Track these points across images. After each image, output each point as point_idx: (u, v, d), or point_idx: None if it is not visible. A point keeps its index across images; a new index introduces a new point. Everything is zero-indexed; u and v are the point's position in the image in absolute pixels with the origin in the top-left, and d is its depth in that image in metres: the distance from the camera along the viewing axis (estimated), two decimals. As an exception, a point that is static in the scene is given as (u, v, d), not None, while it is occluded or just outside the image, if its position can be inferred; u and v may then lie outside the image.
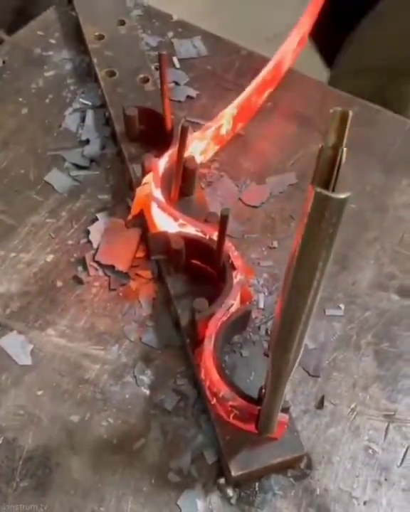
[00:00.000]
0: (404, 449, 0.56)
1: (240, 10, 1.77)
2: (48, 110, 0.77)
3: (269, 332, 0.61)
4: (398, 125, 0.80)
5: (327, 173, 0.36)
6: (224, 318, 0.54)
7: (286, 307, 0.37)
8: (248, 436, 0.52)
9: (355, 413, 0.58)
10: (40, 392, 0.57)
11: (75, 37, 0.84)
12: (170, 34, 0.87)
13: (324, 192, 0.33)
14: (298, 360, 0.43)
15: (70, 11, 0.87)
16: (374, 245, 0.69)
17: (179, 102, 0.80)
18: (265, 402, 0.46)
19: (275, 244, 0.68)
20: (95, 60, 0.78)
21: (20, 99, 0.78)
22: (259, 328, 0.61)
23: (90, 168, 0.72)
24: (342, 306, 0.64)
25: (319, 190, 0.33)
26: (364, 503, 0.53)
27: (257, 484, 0.53)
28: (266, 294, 0.64)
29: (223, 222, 0.51)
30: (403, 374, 0.60)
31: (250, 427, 0.51)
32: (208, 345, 0.52)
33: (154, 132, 0.69)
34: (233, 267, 0.56)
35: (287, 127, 0.79)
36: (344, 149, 0.36)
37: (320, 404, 0.58)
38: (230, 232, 0.68)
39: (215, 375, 0.51)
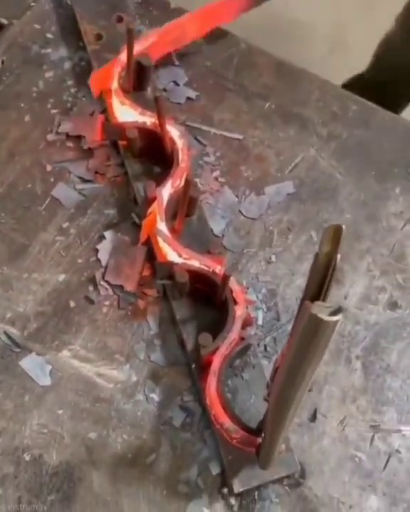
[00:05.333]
0: (387, 457, 0.63)
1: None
2: (50, 117, 0.78)
3: (268, 349, 0.67)
4: (393, 126, 0.82)
5: (318, 286, 0.40)
6: (227, 352, 0.59)
7: (281, 396, 0.42)
8: (248, 456, 0.58)
9: (344, 424, 0.65)
10: (60, 411, 0.63)
11: (73, 31, 0.83)
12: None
13: (318, 314, 0.37)
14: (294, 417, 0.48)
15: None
16: (365, 257, 0.73)
17: (179, 104, 0.81)
18: (265, 444, 0.52)
19: (273, 258, 0.72)
20: (94, 64, 0.78)
21: (22, 104, 0.79)
22: (258, 345, 0.67)
23: (95, 180, 0.75)
24: (334, 320, 0.69)
25: (313, 312, 0.37)
26: (350, 507, 0.61)
27: (256, 493, 0.61)
28: (265, 310, 0.69)
29: (224, 280, 0.55)
30: (388, 386, 0.67)
31: (251, 450, 0.57)
32: (213, 379, 0.58)
33: (154, 149, 0.71)
34: (235, 302, 0.61)
35: (286, 130, 0.81)
36: (338, 256, 0.40)
37: (313, 418, 0.65)
38: (231, 247, 0.72)
39: (219, 409, 0.56)
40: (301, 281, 0.71)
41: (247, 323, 0.63)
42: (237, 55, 0.84)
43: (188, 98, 0.81)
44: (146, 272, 0.70)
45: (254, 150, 0.79)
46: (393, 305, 0.71)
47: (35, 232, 0.71)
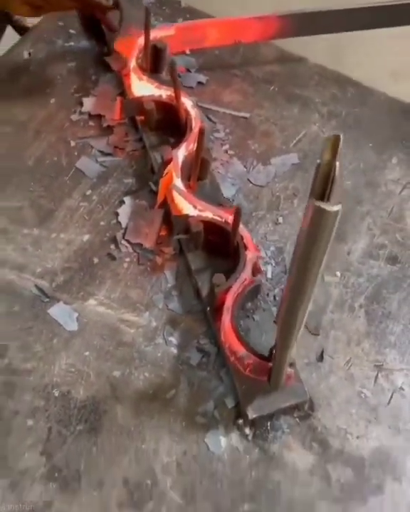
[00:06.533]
0: (390, 393, 0.68)
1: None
2: (73, 100, 0.86)
3: (277, 299, 0.72)
4: (388, 105, 0.89)
5: (323, 185, 0.45)
6: (239, 291, 0.64)
7: (292, 292, 0.47)
8: (261, 385, 0.63)
9: (350, 364, 0.69)
10: (86, 353, 0.68)
11: (94, 26, 0.91)
12: (180, 21, 0.94)
13: (322, 205, 0.42)
14: (302, 329, 0.53)
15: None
16: (366, 219, 0.79)
17: (191, 88, 0.88)
18: (275, 361, 0.57)
19: (280, 220, 0.78)
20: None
21: (48, 90, 0.86)
22: (268, 294, 0.72)
23: (115, 154, 0.81)
24: (338, 273, 0.75)
25: (317, 203, 0.43)
26: (357, 437, 0.65)
27: (269, 424, 0.65)
28: (273, 265, 0.75)
29: (237, 215, 0.61)
30: (390, 331, 0.71)
31: (263, 378, 0.62)
32: (227, 315, 0.63)
33: (170, 121, 0.78)
34: (245, 247, 0.67)
35: (290, 109, 0.88)
36: (338, 164, 0.45)
37: (320, 358, 0.69)
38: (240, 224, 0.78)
39: (234, 339, 0.62)
40: (306, 240, 0.77)
41: (256, 269, 0.68)
42: (243, 45, 0.92)
43: (199, 82, 0.89)
44: (163, 233, 0.76)
45: (260, 127, 0.86)
46: (393, 260, 0.76)
47: (61, 199, 0.78)
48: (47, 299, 0.71)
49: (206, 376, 0.67)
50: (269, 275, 0.74)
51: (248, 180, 0.81)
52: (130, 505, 0.61)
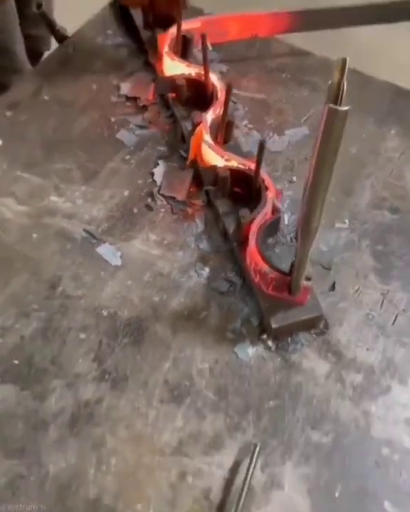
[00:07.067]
0: (395, 315, 0.77)
1: None
2: (112, 85, 0.99)
3: (293, 241, 0.83)
4: (387, 89, 1.01)
5: (334, 98, 0.57)
6: (262, 222, 0.75)
7: (314, 177, 0.58)
8: (282, 303, 0.73)
9: (358, 292, 0.79)
10: (129, 282, 0.79)
11: (128, 27, 1.06)
12: (202, 23, 1.08)
13: (334, 106, 0.54)
14: (317, 234, 0.64)
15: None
16: (370, 178, 0.90)
17: (213, 75, 1.01)
18: (295, 269, 0.67)
19: (294, 178, 0.90)
20: (147, 45, 1.00)
21: (90, 76, 1.00)
22: (285, 237, 0.83)
23: (149, 127, 0.94)
24: (346, 220, 0.86)
25: (331, 105, 0.54)
26: (367, 349, 0.75)
27: (289, 338, 0.75)
28: (289, 214, 0.86)
29: (260, 149, 0.73)
30: (394, 266, 0.82)
31: (284, 294, 0.72)
32: (252, 240, 0.74)
33: (198, 97, 0.91)
34: (266, 188, 0.78)
35: (300, 92, 1.00)
36: (345, 82, 0.57)
37: (332, 288, 0.79)
38: (261, 170, 0.90)
39: (258, 259, 0.72)
40: (318, 194, 0.88)
41: (276, 209, 0.79)
42: (258, 41, 1.06)
43: (220, 71, 1.02)
44: (193, 189, 0.87)
45: (275, 106, 0.98)
46: (394, 210, 0.87)
47: (104, 162, 0.90)
48: (94, 241, 0.82)
49: (234, 301, 0.78)
50: (286, 222, 0.85)
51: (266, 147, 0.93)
52: (171, 401, 0.70)
